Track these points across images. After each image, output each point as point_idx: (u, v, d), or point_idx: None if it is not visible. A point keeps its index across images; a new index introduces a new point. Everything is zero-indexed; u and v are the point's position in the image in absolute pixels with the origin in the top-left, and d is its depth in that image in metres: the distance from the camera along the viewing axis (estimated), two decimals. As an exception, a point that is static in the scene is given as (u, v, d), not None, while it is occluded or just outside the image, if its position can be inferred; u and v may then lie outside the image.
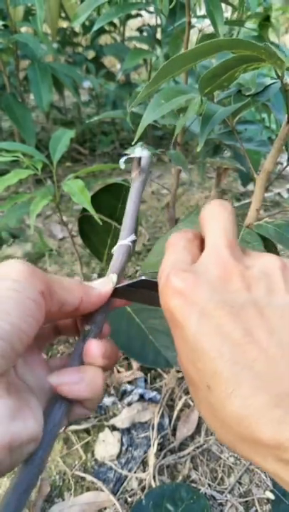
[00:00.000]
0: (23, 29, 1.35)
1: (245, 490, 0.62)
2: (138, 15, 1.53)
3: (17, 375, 0.22)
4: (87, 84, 1.43)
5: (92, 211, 0.57)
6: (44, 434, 0.21)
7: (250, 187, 1.32)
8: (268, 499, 0.61)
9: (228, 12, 0.93)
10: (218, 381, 0.17)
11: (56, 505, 0.59)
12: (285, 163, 0.54)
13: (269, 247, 0.46)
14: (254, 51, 0.33)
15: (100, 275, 0.82)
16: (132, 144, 0.52)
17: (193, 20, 0.94)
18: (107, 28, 1.56)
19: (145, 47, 1.20)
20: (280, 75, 0.39)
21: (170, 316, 0.20)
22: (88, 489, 0.62)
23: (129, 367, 0.79)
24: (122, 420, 0.69)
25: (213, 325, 0.18)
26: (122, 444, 0.67)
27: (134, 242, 0.29)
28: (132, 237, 0.28)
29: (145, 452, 0.66)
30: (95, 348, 0.24)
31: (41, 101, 1.11)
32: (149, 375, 0.78)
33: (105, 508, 0.59)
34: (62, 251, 1.17)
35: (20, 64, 1.19)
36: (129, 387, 0.75)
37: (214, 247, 0.21)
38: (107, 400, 0.73)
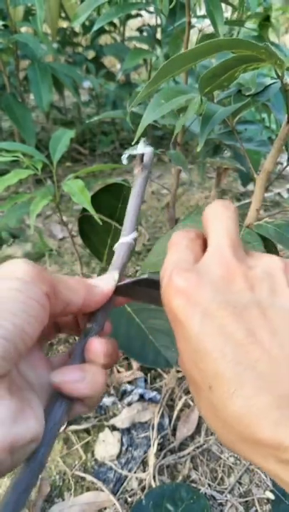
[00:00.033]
0: (23, 29, 1.35)
1: (245, 490, 0.62)
2: (138, 15, 1.53)
3: (19, 373, 0.22)
4: (87, 84, 1.43)
5: (92, 211, 0.57)
6: (45, 432, 0.21)
7: (250, 187, 1.32)
8: (267, 499, 0.61)
9: (228, 12, 0.93)
10: (220, 381, 0.17)
11: (56, 505, 0.59)
12: (285, 163, 0.54)
13: (269, 247, 0.46)
14: (254, 51, 0.33)
15: (100, 275, 0.82)
16: (132, 144, 0.52)
17: (193, 20, 0.94)
18: (107, 28, 1.56)
19: (145, 47, 1.20)
20: (280, 74, 0.39)
21: (172, 316, 0.20)
22: (88, 489, 0.62)
23: (129, 367, 0.79)
24: (122, 420, 0.69)
25: (216, 325, 0.18)
26: (122, 444, 0.67)
27: (135, 239, 0.29)
28: (134, 234, 0.28)
29: (145, 452, 0.66)
30: (97, 347, 0.24)
31: (41, 101, 1.11)
32: (149, 375, 0.78)
33: (105, 508, 0.59)
34: (62, 251, 1.17)
35: (20, 64, 1.19)
36: (129, 387, 0.75)
37: (217, 247, 0.21)
38: (107, 400, 0.73)
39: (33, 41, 1.01)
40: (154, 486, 0.61)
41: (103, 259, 0.71)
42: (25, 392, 0.22)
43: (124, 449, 0.67)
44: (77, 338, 0.27)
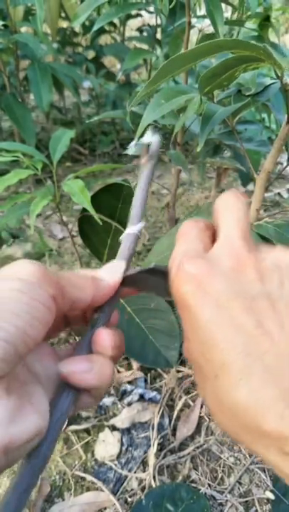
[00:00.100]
0: (23, 29, 1.36)
1: (245, 490, 0.62)
2: (138, 15, 1.53)
3: (25, 365, 0.22)
4: (87, 84, 1.43)
5: (92, 211, 0.57)
6: (50, 423, 0.21)
7: (250, 187, 1.32)
8: (267, 499, 0.61)
9: (228, 12, 0.93)
10: (227, 371, 0.17)
11: (56, 505, 0.59)
12: (285, 163, 0.54)
13: (269, 247, 0.46)
14: (253, 51, 0.33)
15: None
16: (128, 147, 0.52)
17: (193, 20, 0.95)
18: (107, 28, 1.56)
19: (145, 47, 1.20)
20: (279, 75, 0.39)
21: (181, 303, 0.20)
22: (88, 489, 0.62)
23: (129, 367, 0.79)
24: (122, 420, 0.69)
25: (227, 316, 0.18)
26: (122, 444, 0.67)
27: (141, 229, 0.28)
28: (140, 225, 0.28)
29: (145, 452, 0.66)
30: (105, 338, 0.24)
31: (41, 101, 1.11)
32: (149, 375, 0.78)
33: (105, 508, 0.59)
34: (62, 251, 1.17)
35: (20, 64, 1.19)
36: (129, 387, 0.75)
37: (228, 238, 0.21)
38: (107, 400, 0.73)
39: (33, 41, 1.01)
40: (154, 486, 0.61)
41: (103, 259, 0.71)
42: (29, 385, 0.22)
43: (124, 449, 0.67)
44: (77, 338, 0.27)
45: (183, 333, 0.21)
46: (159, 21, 1.17)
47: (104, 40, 1.88)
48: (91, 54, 1.67)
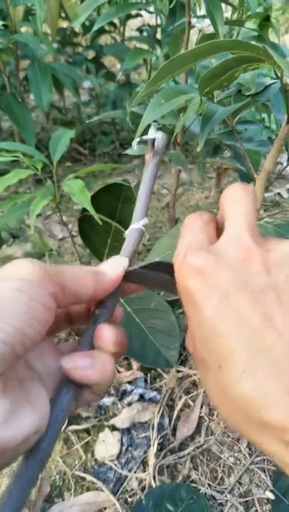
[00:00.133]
0: (23, 29, 1.35)
1: (245, 490, 0.62)
2: (138, 15, 1.53)
3: (25, 362, 0.22)
4: (87, 84, 1.43)
5: (92, 211, 0.57)
6: (50, 419, 0.21)
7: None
8: (267, 499, 0.61)
9: (228, 12, 0.93)
10: (231, 362, 0.17)
11: (56, 505, 0.59)
12: (285, 163, 0.54)
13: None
14: (253, 52, 0.33)
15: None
16: (132, 144, 0.52)
17: (193, 20, 0.95)
18: (107, 28, 1.56)
19: (145, 47, 1.20)
20: (279, 75, 0.39)
21: (186, 296, 0.20)
22: (88, 489, 0.62)
23: (129, 367, 0.79)
24: (122, 420, 0.69)
25: (232, 308, 0.18)
26: (122, 444, 0.67)
27: (146, 225, 0.28)
28: (144, 220, 0.28)
29: (145, 452, 0.66)
30: (106, 334, 0.24)
31: (41, 101, 1.11)
32: (149, 375, 0.78)
33: (105, 508, 0.59)
34: (62, 251, 1.17)
35: (20, 64, 1.19)
36: (129, 387, 0.75)
37: (235, 230, 0.21)
38: (107, 400, 0.73)
39: (33, 41, 1.01)
40: (154, 486, 0.61)
41: (103, 259, 0.71)
42: (28, 383, 0.21)
43: (124, 449, 0.67)
44: (77, 338, 0.27)
45: (186, 326, 0.20)
46: (159, 21, 1.17)
47: (104, 40, 1.88)
48: (91, 54, 1.67)
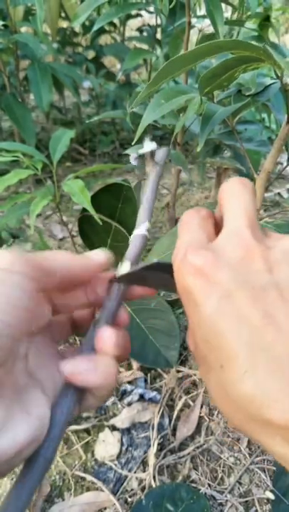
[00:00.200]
0: (23, 29, 1.35)
1: (245, 490, 0.62)
2: (138, 15, 1.53)
3: (26, 369, 0.22)
4: (87, 84, 1.43)
5: (92, 211, 0.57)
6: (51, 425, 0.21)
7: (250, 187, 1.32)
8: (267, 499, 0.61)
9: (228, 12, 0.93)
10: (232, 361, 0.17)
11: (56, 505, 0.59)
12: (285, 163, 0.54)
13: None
14: (253, 52, 0.33)
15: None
16: (133, 143, 0.53)
17: (193, 20, 0.95)
18: (107, 28, 1.56)
19: (145, 47, 1.20)
20: (279, 75, 0.39)
21: (186, 295, 0.20)
22: (88, 489, 0.62)
23: (129, 367, 0.79)
24: (122, 420, 0.69)
25: (233, 307, 0.18)
26: (122, 444, 0.67)
27: (148, 230, 0.28)
28: (146, 224, 0.28)
29: (145, 452, 0.66)
30: (107, 337, 0.23)
31: (41, 101, 1.11)
32: (149, 375, 0.78)
33: (105, 508, 0.59)
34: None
35: (20, 64, 1.19)
36: (129, 387, 0.75)
37: (235, 226, 0.20)
38: (107, 400, 0.73)
39: (33, 41, 1.01)
40: (154, 486, 0.61)
41: (103, 259, 0.70)
42: (26, 391, 0.21)
43: (124, 449, 0.67)
44: (77, 337, 0.27)
45: (187, 326, 0.20)
46: (159, 21, 1.17)
47: (104, 40, 1.88)
48: (91, 54, 1.67)
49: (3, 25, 1.07)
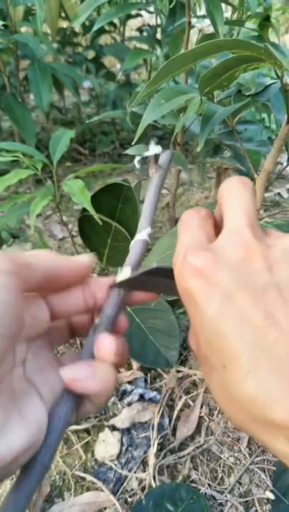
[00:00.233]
0: (23, 29, 1.35)
1: (245, 490, 0.62)
2: (138, 15, 1.53)
3: (23, 374, 0.22)
4: (87, 84, 1.43)
5: (92, 211, 0.57)
6: (49, 431, 0.21)
7: (250, 187, 1.32)
8: (267, 499, 0.61)
9: (228, 12, 0.93)
10: (235, 362, 0.17)
11: (56, 505, 0.59)
12: (285, 163, 0.54)
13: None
14: (254, 51, 0.33)
15: (100, 275, 0.83)
16: (132, 143, 0.53)
17: (193, 20, 0.95)
18: (107, 28, 1.56)
19: (145, 47, 1.20)
20: (279, 75, 0.39)
21: (187, 297, 0.20)
22: (88, 489, 0.62)
23: (129, 367, 0.79)
24: (122, 420, 0.69)
25: (234, 308, 0.18)
26: (122, 444, 0.67)
27: (149, 235, 0.28)
28: (148, 229, 0.28)
29: (145, 452, 0.66)
30: (107, 344, 0.23)
31: (41, 101, 1.11)
32: (149, 375, 0.78)
33: (105, 508, 0.59)
34: (62, 251, 1.17)
35: (20, 64, 1.19)
36: (129, 387, 0.75)
37: (235, 226, 0.20)
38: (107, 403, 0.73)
39: (33, 41, 1.01)
40: (154, 486, 0.61)
41: (103, 259, 0.71)
42: (23, 397, 0.21)
43: (124, 449, 0.67)
44: (77, 339, 0.27)
45: (188, 326, 0.20)
46: (159, 21, 1.17)
47: (104, 40, 1.88)
48: (91, 54, 1.67)
49: (3, 25, 1.07)
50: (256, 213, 0.22)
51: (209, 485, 0.62)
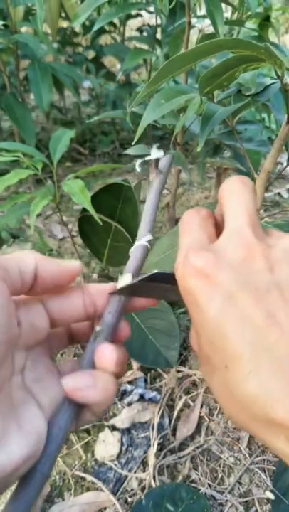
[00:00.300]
0: (23, 29, 1.36)
1: (245, 490, 0.62)
2: (138, 15, 1.53)
3: (22, 384, 0.22)
4: (87, 84, 1.43)
5: (92, 211, 0.57)
6: (48, 440, 0.21)
7: (250, 187, 1.32)
8: (267, 499, 0.61)
9: (228, 12, 0.93)
10: (237, 362, 0.17)
11: (56, 505, 0.59)
12: (285, 163, 0.54)
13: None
14: (254, 51, 0.33)
15: (100, 275, 0.83)
16: (132, 144, 0.53)
17: (193, 20, 0.95)
18: (107, 28, 1.56)
19: (145, 47, 1.20)
20: (280, 74, 0.39)
21: (189, 297, 0.20)
22: (88, 489, 0.62)
23: (129, 367, 0.79)
24: (122, 420, 0.69)
25: (236, 308, 0.18)
26: (122, 444, 0.67)
27: (150, 241, 0.28)
28: (148, 236, 0.28)
29: (145, 452, 0.66)
30: (108, 354, 0.23)
31: (41, 101, 1.11)
32: (149, 375, 0.78)
33: (105, 508, 0.59)
34: (62, 251, 1.17)
35: (20, 64, 1.19)
36: (129, 387, 0.75)
37: (236, 226, 0.20)
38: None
39: (33, 41, 1.01)
40: (154, 486, 0.61)
41: (103, 259, 0.71)
42: (22, 407, 0.21)
43: (124, 449, 0.67)
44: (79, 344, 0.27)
45: (188, 326, 0.20)
46: (159, 21, 1.17)
47: (104, 40, 1.88)
48: (91, 54, 1.67)
49: (4, 25, 1.07)
50: (256, 212, 0.22)
51: (209, 485, 0.62)
